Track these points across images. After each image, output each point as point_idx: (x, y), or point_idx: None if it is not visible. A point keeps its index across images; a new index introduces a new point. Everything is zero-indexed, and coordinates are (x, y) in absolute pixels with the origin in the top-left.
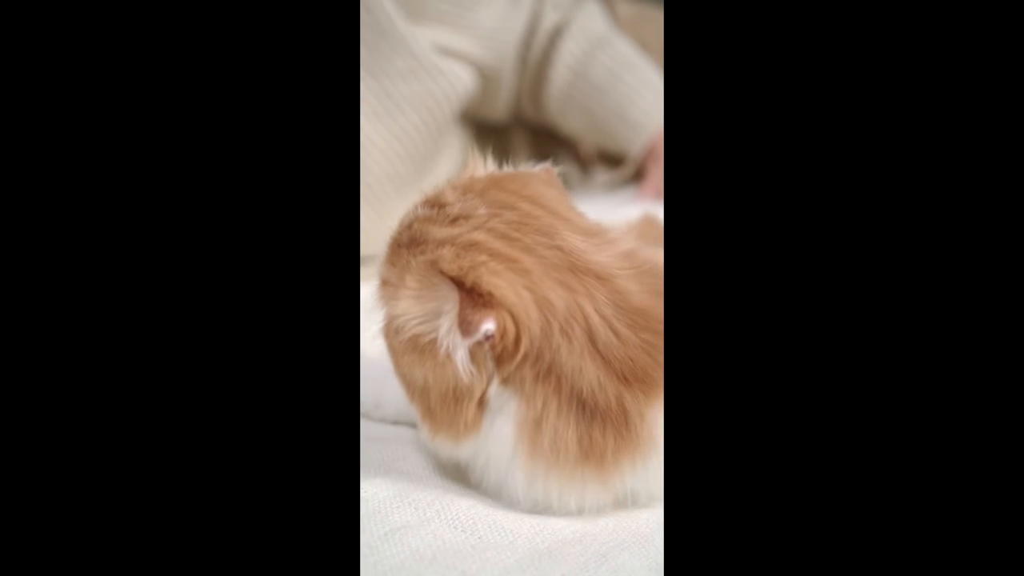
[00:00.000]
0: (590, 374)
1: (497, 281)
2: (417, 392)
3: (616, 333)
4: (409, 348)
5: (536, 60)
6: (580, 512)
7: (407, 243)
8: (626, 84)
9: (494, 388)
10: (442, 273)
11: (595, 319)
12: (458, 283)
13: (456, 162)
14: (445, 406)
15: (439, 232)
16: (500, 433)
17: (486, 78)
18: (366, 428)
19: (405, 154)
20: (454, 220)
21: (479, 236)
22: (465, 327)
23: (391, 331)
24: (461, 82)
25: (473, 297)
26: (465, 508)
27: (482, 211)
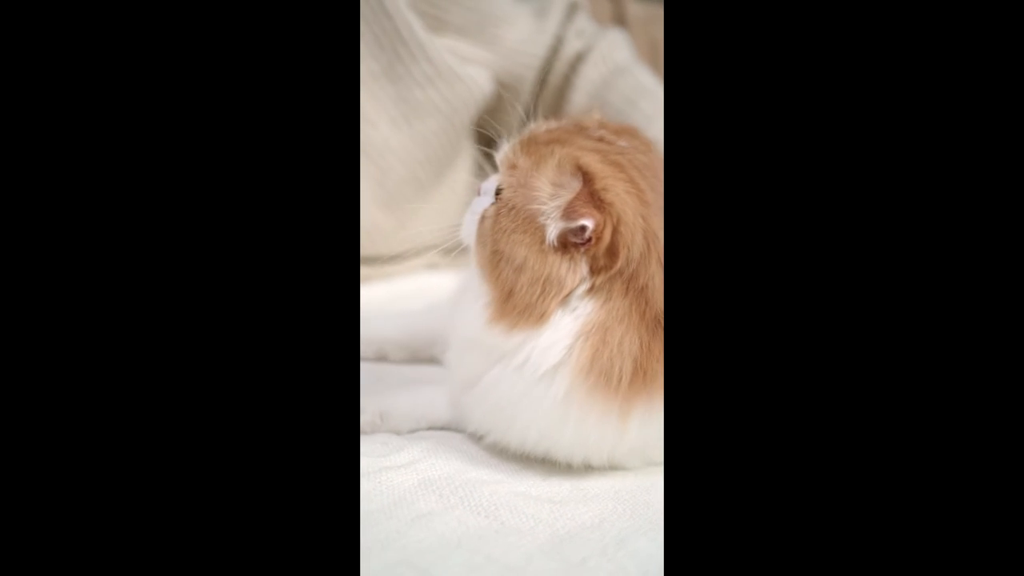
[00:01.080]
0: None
1: (622, 197)
2: (510, 269)
3: None
4: (523, 226)
5: (557, 83)
6: (611, 447)
7: (546, 141)
8: (640, 111)
9: (579, 292)
10: (580, 168)
11: None
12: (588, 180)
13: (473, 165)
14: (531, 290)
15: (586, 143)
16: (560, 329)
17: (505, 87)
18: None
19: (424, 159)
20: (599, 139)
21: (621, 160)
22: (568, 213)
23: (506, 209)
24: (479, 87)
25: (593, 196)
26: (487, 495)
27: (623, 143)
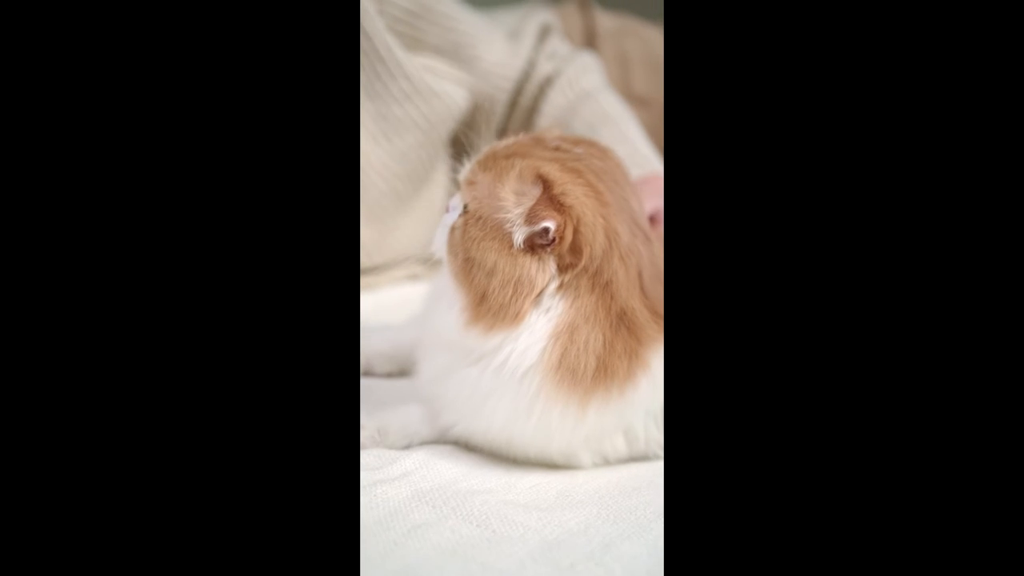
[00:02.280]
0: (635, 298)
1: (581, 199)
2: (482, 273)
3: (652, 279)
4: (492, 233)
5: (527, 106)
6: (568, 436)
7: (506, 155)
8: (600, 138)
9: (550, 290)
10: (540, 176)
11: (644, 261)
12: (547, 186)
13: (449, 179)
14: (503, 291)
15: (544, 153)
16: (536, 331)
17: (479, 107)
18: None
19: (403, 173)
20: (556, 149)
21: (578, 165)
22: (530, 217)
23: (474, 220)
24: (455, 103)
25: (553, 200)
26: (479, 504)
27: (579, 151)
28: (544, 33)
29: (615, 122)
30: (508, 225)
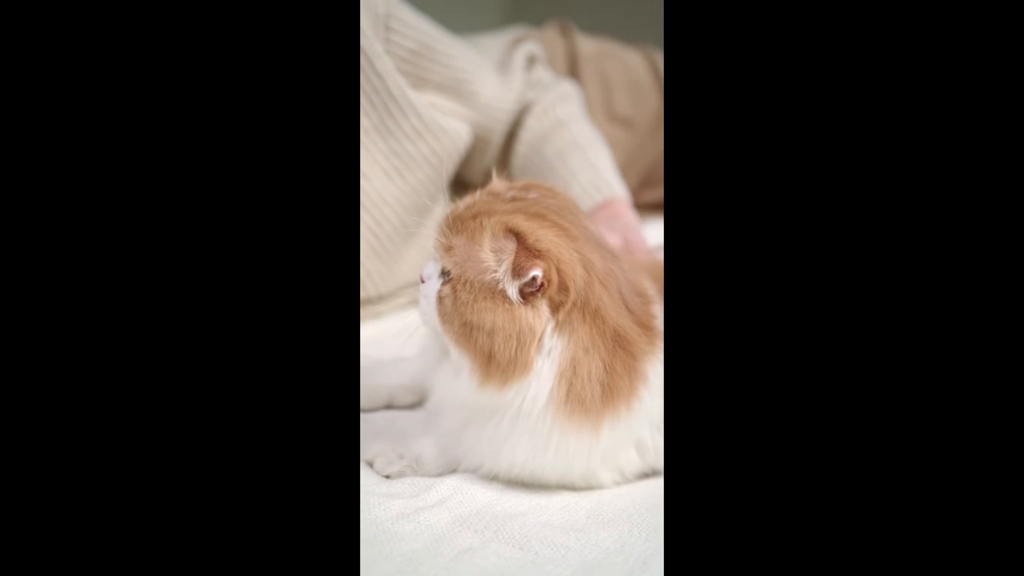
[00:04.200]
0: (623, 316)
1: (553, 240)
2: (484, 335)
3: (632, 293)
4: (484, 294)
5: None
6: (586, 459)
7: (472, 216)
8: (567, 166)
9: (548, 332)
10: (510, 231)
11: (621, 280)
12: (520, 238)
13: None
14: (507, 347)
15: (504, 206)
16: (543, 374)
17: (477, 139)
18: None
19: (412, 207)
20: (512, 200)
21: (538, 210)
22: (516, 270)
23: (460, 285)
24: (462, 138)
25: (530, 250)
26: (518, 527)
27: (534, 195)
28: (530, 63)
29: (583, 149)
30: (497, 284)
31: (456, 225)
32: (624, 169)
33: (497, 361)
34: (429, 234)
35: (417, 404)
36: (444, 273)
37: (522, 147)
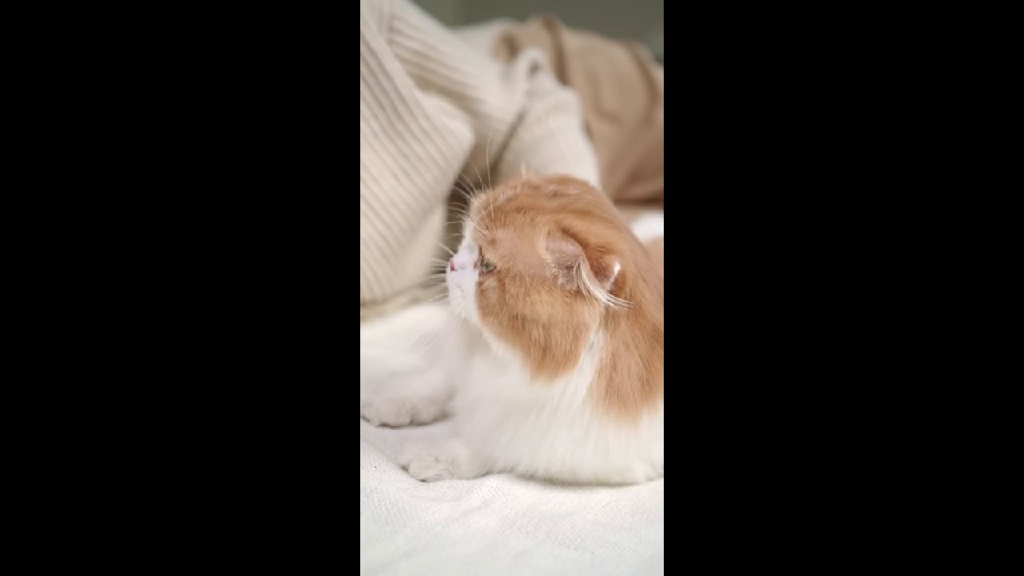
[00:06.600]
0: (660, 311)
1: (614, 238)
2: (538, 328)
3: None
4: (537, 287)
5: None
6: (624, 453)
7: (515, 209)
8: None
9: (594, 327)
10: (566, 232)
11: (655, 276)
12: (583, 243)
13: (444, 209)
14: (564, 340)
15: (548, 203)
16: (584, 369)
17: (478, 146)
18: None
19: (420, 209)
20: (555, 195)
21: (583, 207)
22: (602, 272)
23: (509, 278)
24: (467, 139)
25: (597, 249)
26: (569, 527)
27: (573, 191)
28: (533, 71)
29: (567, 163)
30: (559, 280)
31: (497, 218)
32: (613, 164)
33: (552, 354)
34: (428, 233)
35: (439, 418)
36: (485, 265)
37: (510, 155)
